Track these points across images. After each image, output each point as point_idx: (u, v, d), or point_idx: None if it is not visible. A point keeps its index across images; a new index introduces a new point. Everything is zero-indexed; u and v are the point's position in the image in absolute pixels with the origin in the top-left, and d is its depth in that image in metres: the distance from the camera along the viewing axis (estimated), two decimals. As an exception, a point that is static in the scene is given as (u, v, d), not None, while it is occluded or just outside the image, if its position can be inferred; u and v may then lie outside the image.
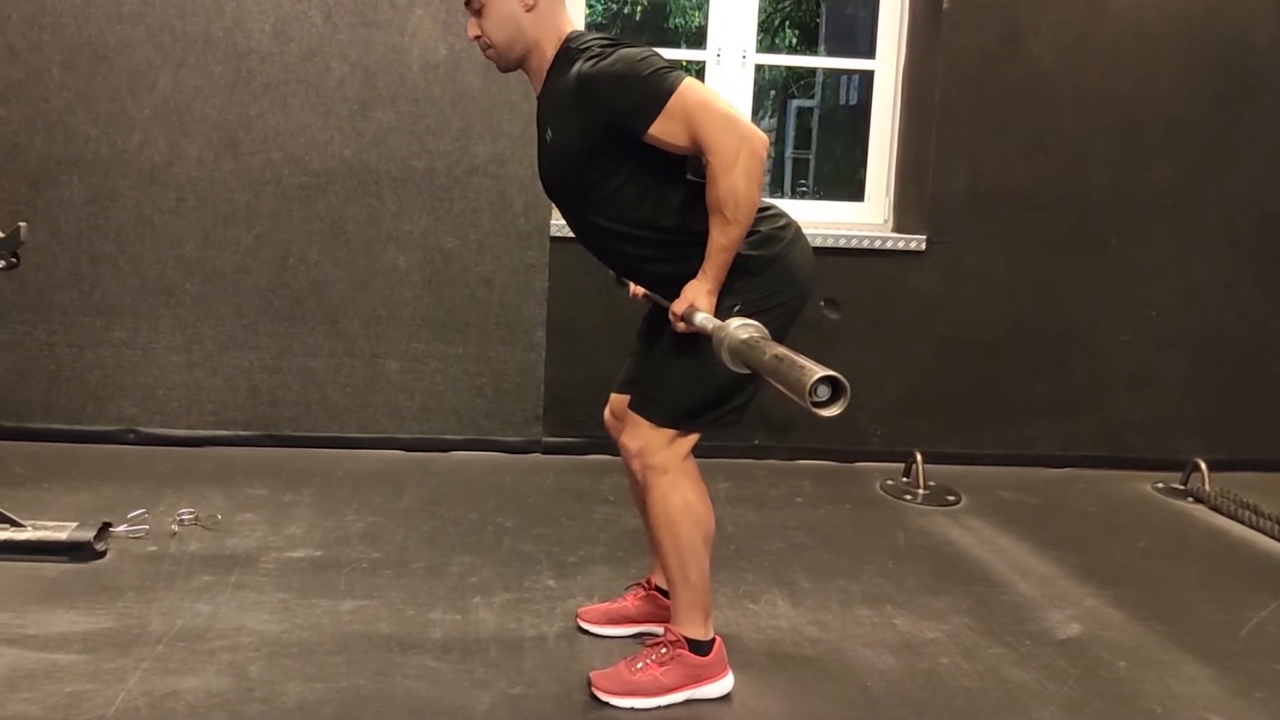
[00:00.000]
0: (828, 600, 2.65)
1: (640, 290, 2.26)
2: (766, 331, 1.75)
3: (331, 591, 2.56)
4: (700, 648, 2.10)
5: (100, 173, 3.56)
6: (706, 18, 3.94)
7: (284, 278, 3.67)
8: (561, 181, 2.08)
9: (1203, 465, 3.64)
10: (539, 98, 2.08)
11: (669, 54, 1.99)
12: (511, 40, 2.01)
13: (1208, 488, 3.59)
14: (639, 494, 2.21)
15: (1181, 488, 3.70)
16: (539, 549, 2.89)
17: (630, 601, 2.40)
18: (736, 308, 1.93)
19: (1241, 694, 2.26)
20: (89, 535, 2.67)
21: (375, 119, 3.61)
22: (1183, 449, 3.80)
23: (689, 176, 1.98)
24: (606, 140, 1.94)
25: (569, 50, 1.99)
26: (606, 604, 2.44)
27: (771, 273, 2.02)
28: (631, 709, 2.07)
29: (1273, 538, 3.25)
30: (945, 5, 3.71)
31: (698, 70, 3.95)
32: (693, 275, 1.95)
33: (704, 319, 1.87)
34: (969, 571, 2.90)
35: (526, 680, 2.17)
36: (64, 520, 2.75)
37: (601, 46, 1.95)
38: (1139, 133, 3.83)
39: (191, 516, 2.95)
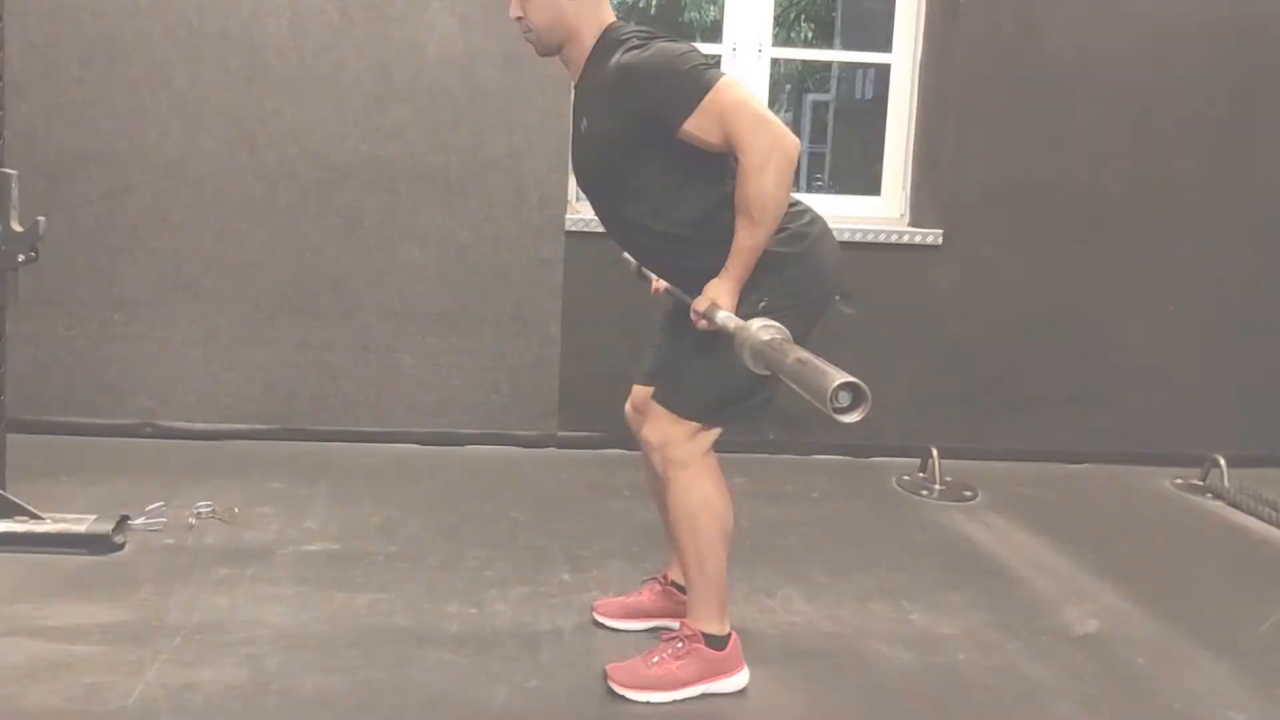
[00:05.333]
0: (843, 595, 2.64)
1: (663, 285, 2.25)
2: (788, 333, 1.74)
3: (348, 584, 2.57)
4: (716, 642, 2.10)
5: (118, 167, 3.58)
6: (722, 11, 3.92)
7: (300, 272, 3.68)
8: (595, 172, 2.08)
9: (1221, 461, 3.61)
10: (576, 87, 2.08)
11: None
12: (552, 25, 2.01)
13: (1226, 484, 3.56)
14: (657, 487, 2.21)
15: (1200, 483, 3.67)
16: (554, 543, 2.89)
17: (646, 595, 2.39)
18: (762, 304, 1.93)
19: (1261, 690, 2.25)
20: (107, 528, 2.69)
21: (391, 113, 3.62)
22: (1201, 444, 3.76)
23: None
24: (641, 132, 1.94)
25: (609, 40, 2.00)
26: (622, 598, 2.44)
27: (799, 269, 2.01)
28: (648, 703, 2.06)
29: (1293, 534, 3.23)
30: (962, -2, 3.70)
31: (713, 64, 3.94)
32: (717, 272, 1.94)
33: (725, 318, 1.86)
34: (985, 567, 2.89)
35: (542, 673, 2.17)
36: (82, 513, 2.76)
37: (641, 39, 1.95)
38: (1157, 125, 3.80)
39: (209, 509, 2.96)
